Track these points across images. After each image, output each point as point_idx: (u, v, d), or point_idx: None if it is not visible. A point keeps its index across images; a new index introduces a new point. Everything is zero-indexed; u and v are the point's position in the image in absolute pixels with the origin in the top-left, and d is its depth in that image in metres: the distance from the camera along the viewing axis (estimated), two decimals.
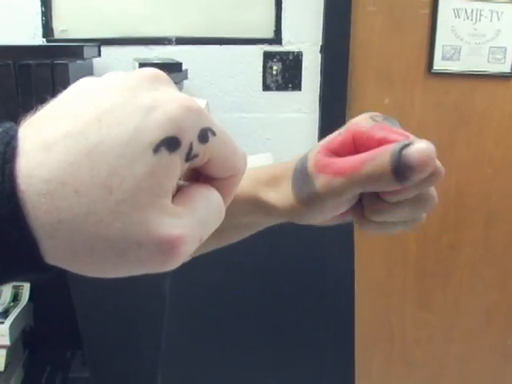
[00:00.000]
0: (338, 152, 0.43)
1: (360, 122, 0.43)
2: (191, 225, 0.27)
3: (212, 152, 0.28)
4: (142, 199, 0.25)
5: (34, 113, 0.27)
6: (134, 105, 0.26)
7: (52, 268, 0.26)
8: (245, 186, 0.49)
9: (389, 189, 0.39)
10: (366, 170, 0.38)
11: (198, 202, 0.29)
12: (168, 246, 0.26)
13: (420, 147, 0.37)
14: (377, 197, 0.42)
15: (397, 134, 0.40)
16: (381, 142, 0.40)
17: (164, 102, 0.27)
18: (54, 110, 0.27)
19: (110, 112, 0.26)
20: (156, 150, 0.26)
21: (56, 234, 0.25)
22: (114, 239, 0.25)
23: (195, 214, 0.28)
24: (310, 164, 0.43)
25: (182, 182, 0.30)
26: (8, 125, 0.26)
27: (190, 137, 0.27)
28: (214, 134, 0.28)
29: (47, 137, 0.25)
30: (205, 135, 0.28)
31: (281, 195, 0.47)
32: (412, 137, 0.39)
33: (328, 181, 0.41)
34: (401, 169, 0.37)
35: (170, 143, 0.26)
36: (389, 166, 0.37)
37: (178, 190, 0.29)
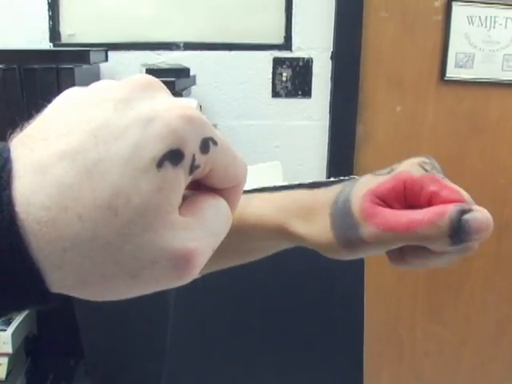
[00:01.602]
0: (385, 199, 0.42)
1: (410, 170, 0.42)
2: (203, 236, 0.26)
3: (213, 162, 0.27)
4: (151, 218, 0.24)
5: (22, 129, 0.25)
6: (130, 117, 0.25)
7: (60, 295, 0.25)
8: (271, 212, 0.48)
9: (441, 249, 0.40)
10: (421, 232, 0.39)
11: (207, 212, 0.28)
12: (183, 260, 0.25)
13: (481, 215, 0.38)
14: (423, 246, 0.41)
15: (449, 191, 0.40)
16: (432, 197, 0.40)
17: (162, 112, 0.25)
18: (43, 127, 0.25)
19: (105, 127, 0.24)
20: (159, 165, 0.24)
21: (62, 264, 0.23)
22: (126, 262, 0.24)
23: (206, 225, 0.27)
24: (356, 208, 0.42)
25: (186, 191, 0.28)
26: (0, 145, 0.25)
27: (192, 148, 0.25)
28: (215, 143, 0.27)
29: (41, 158, 0.24)
30: (206, 145, 0.26)
31: (315, 230, 0.46)
32: (464, 194, 0.40)
33: (377, 232, 0.41)
34: (459, 235, 0.38)
35: (174, 156, 0.25)
36: (447, 232, 0.38)
37: (184, 200, 0.27)
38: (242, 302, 1.22)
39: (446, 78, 1.86)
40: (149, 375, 1.19)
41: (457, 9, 1.80)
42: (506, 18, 1.81)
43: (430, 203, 0.40)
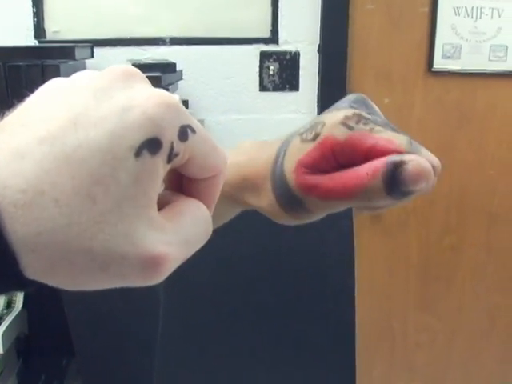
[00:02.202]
0: (318, 167, 0.41)
1: (333, 133, 0.40)
2: (177, 243, 0.26)
3: (192, 150, 0.27)
4: (128, 209, 0.24)
5: (2, 118, 0.25)
6: (109, 105, 0.25)
7: (33, 283, 0.25)
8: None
9: (387, 204, 0.39)
10: (358, 193, 0.38)
11: (187, 219, 0.28)
12: (151, 263, 0.25)
13: (412, 165, 0.36)
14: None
15: (382, 142, 0.38)
16: (368, 153, 0.38)
17: (140, 101, 0.25)
18: (23, 114, 0.25)
19: (84, 114, 0.25)
20: (138, 153, 0.24)
21: (36, 248, 0.23)
22: (97, 252, 0.24)
23: (182, 232, 0.27)
24: (292, 184, 0.42)
25: (167, 192, 0.29)
26: None
27: (170, 136, 0.25)
28: (193, 131, 0.27)
29: (20, 144, 0.24)
30: (185, 133, 0.26)
31: (263, 201, 0.46)
32: (398, 141, 0.38)
33: (318, 202, 0.41)
34: (396, 190, 0.36)
35: (152, 145, 0.25)
36: (383, 189, 0.37)
37: (165, 201, 0.28)
38: (233, 297, 1.22)
39: (433, 70, 1.86)
40: (141, 371, 1.19)
41: (443, 0, 1.80)
42: (492, 9, 1.82)
43: (367, 159, 0.38)
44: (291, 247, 1.24)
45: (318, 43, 1.78)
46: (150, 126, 0.25)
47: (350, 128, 0.39)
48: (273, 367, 1.26)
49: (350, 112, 0.41)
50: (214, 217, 0.54)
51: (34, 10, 1.65)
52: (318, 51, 1.79)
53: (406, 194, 0.36)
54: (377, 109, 0.43)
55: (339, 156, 0.40)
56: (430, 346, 2.13)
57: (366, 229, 1.98)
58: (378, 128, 0.39)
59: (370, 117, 0.41)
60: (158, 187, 0.26)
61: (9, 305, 1.43)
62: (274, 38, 1.75)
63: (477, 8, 1.82)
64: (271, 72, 1.77)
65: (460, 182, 1.96)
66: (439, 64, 1.86)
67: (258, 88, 1.78)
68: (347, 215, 1.25)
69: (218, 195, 0.31)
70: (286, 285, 1.24)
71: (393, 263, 2.04)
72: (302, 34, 1.76)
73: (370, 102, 0.43)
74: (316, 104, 1.82)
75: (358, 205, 0.40)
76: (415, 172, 0.36)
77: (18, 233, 0.23)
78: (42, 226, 0.23)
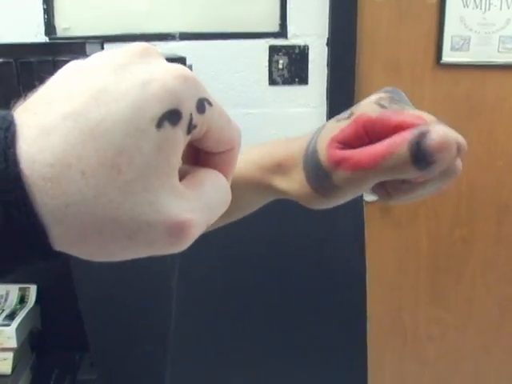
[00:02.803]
0: (350, 143, 0.42)
1: (367, 110, 0.42)
2: (199, 209, 0.27)
3: (209, 123, 0.28)
4: (152, 178, 0.25)
5: (25, 99, 0.26)
6: (129, 80, 0.26)
7: (60, 254, 0.26)
8: (250, 170, 0.50)
9: (412, 176, 0.39)
10: (386, 163, 0.38)
11: (207, 187, 0.29)
12: (177, 228, 0.26)
13: (437, 134, 0.36)
14: (401, 179, 0.41)
15: (411, 118, 0.39)
16: (397, 129, 0.39)
17: (159, 75, 0.26)
18: (46, 93, 0.26)
19: (105, 90, 0.25)
20: (159, 124, 0.25)
21: (64, 219, 0.24)
22: (124, 220, 0.25)
23: (203, 199, 0.28)
24: (323, 159, 0.43)
25: (186, 166, 0.30)
26: (3, 112, 0.26)
27: (189, 108, 0.26)
28: (210, 104, 0.28)
29: (45, 121, 0.25)
30: (202, 105, 0.27)
31: (294, 184, 0.47)
32: (427, 117, 0.39)
33: (347, 175, 0.41)
34: (422, 159, 0.37)
35: (172, 116, 0.26)
36: (409, 158, 0.37)
37: (185, 174, 0.29)
38: (243, 292, 1.22)
39: (442, 62, 1.86)
40: (154, 362, 1.19)
41: None
42: (501, 0, 1.81)
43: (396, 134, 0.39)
44: (302, 242, 1.25)
45: (327, 36, 1.78)
46: (169, 97, 0.25)
47: (383, 107, 0.41)
48: (284, 359, 1.26)
49: (383, 94, 0.42)
50: (245, 205, 0.55)
51: (45, 7, 1.66)
52: (327, 44, 1.79)
53: (430, 163, 0.37)
54: (407, 99, 0.44)
55: (371, 132, 0.41)
56: (440, 338, 2.13)
57: (376, 222, 1.98)
58: (408, 107, 0.41)
59: (402, 99, 0.42)
60: (179, 157, 0.27)
61: (22, 300, 1.44)
62: (282, 32, 1.75)
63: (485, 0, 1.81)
64: (280, 66, 1.77)
65: (470, 174, 1.96)
66: (448, 56, 1.85)
67: (267, 82, 1.78)
68: (358, 209, 1.25)
69: (233, 169, 0.32)
70: (297, 279, 1.25)
71: (403, 256, 2.04)
72: (310, 27, 1.76)
73: (403, 93, 0.44)
74: (325, 97, 1.81)
75: (384, 177, 0.40)
76: (439, 140, 0.36)
77: (48, 205, 0.24)
78: (70, 197, 0.24)
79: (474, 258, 2.06)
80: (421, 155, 0.37)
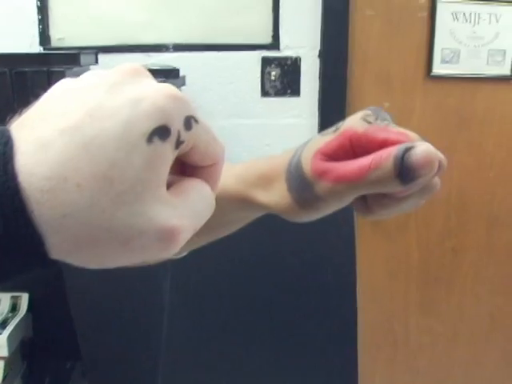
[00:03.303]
0: (335, 156, 0.43)
1: (354, 125, 0.43)
2: (187, 215, 0.29)
3: (195, 139, 0.30)
4: (142, 189, 0.27)
5: (19, 115, 0.28)
6: (121, 98, 0.27)
7: (56, 262, 0.27)
8: (232, 184, 0.51)
9: (394, 191, 0.40)
10: (370, 176, 0.39)
11: (193, 195, 0.30)
12: (167, 234, 0.27)
13: (422, 150, 0.38)
14: (382, 194, 0.42)
15: (396, 135, 0.40)
16: (382, 145, 0.40)
17: (150, 93, 0.28)
18: (41, 110, 0.28)
19: (99, 107, 0.27)
20: (149, 140, 0.27)
21: (61, 229, 0.25)
22: (118, 229, 0.26)
23: (190, 206, 0.30)
24: (307, 169, 0.44)
25: (172, 176, 0.31)
26: (0, 127, 0.27)
27: (177, 124, 0.28)
28: (196, 121, 0.29)
29: (42, 135, 0.26)
30: (189, 122, 0.29)
31: (274, 196, 0.48)
32: (411, 135, 0.40)
33: (330, 186, 0.42)
34: (405, 173, 0.38)
35: (162, 132, 0.27)
36: (393, 172, 0.38)
37: (173, 183, 0.30)
38: (236, 299, 1.22)
39: (432, 74, 1.88)
40: (146, 371, 1.19)
41: (441, 5, 1.82)
42: (490, 14, 1.84)
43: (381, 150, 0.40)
44: (293, 251, 1.25)
45: (319, 49, 1.80)
46: (159, 115, 0.27)
47: (369, 122, 0.42)
48: (276, 371, 1.26)
49: (369, 111, 0.44)
50: (230, 221, 0.56)
51: (39, 17, 1.66)
52: (319, 56, 1.80)
53: (413, 178, 0.38)
54: (390, 118, 0.45)
55: (356, 146, 0.42)
56: (431, 348, 2.13)
57: (367, 232, 1.99)
58: (393, 125, 0.42)
59: (387, 117, 0.43)
60: (167, 170, 0.28)
61: (14, 308, 1.43)
62: (275, 44, 1.77)
63: (475, 13, 1.84)
64: (273, 77, 1.78)
65: (460, 185, 1.97)
66: (438, 68, 1.87)
67: (259, 93, 1.79)
68: (349, 219, 1.26)
69: (218, 182, 0.33)
70: (289, 288, 1.25)
71: (393, 266, 2.05)
72: (303, 39, 1.78)
73: (385, 112, 0.45)
74: (317, 109, 1.83)
75: (366, 190, 0.41)
76: (423, 156, 0.38)
77: (45, 216, 0.25)
78: (66, 208, 0.25)
79: (464, 268, 2.07)
80: (405, 170, 0.38)
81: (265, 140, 1.82)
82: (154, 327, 1.18)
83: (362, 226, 1.96)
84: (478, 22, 1.84)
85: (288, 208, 0.47)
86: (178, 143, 0.28)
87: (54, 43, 1.69)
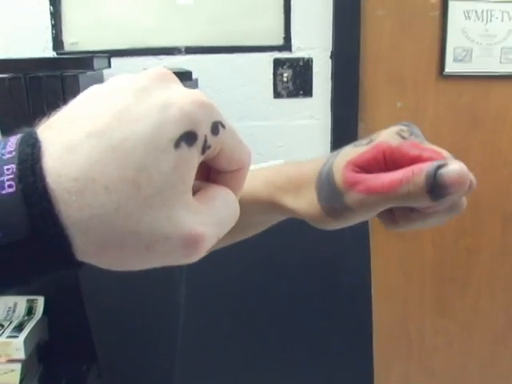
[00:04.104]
0: (367, 168, 0.44)
1: (388, 139, 0.43)
2: (211, 223, 0.29)
3: (222, 144, 0.30)
4: (169, 194, 0.27)
5: (47, 118, 0.28)
6: (149, 103, 0.28)
7: (82, 264, 0.27)
8: (261, 188, 0.51)
9: (423, 206, 0.41)
10: (402, 190, 0.40)
11: (218, 202, 0.30)
12: (191, 241, 0.27)
13: (454, 169, 0.38)
14: (410, 208, 0.43)
15: (430, 152, 0.41)
16: (415, 161, 0.41)
17: (178, 99, 0.28)
18: (69, 114, 0.28)
19: (126, 111, 0.27)
20: (177, 145, 0.27)
21: (87, 231, 0.26)
22: (143, 233, 0.26)
23: (215, 214, 0.30)
24: (339, 179, 0.44)
25: (198, 182, 0.31)
26: (28, 129, 0.27)
27: (204, 130, 0.28)
28: (223, 126, 0.30)
29: (69, 138, 0.26)
30: (216, 128, 0.29)
31: (303, 203, 0.48)
32: (444, 153, 0.41)
33: (361, 197, 0.43)
34: (436, 190, 0.39)
35: (189, 137, 0.27)
36: (424, 187, 0.39)
37: (199, 189, 0.31)
38: (250, 299, 1.23)
39: (444, 73, 1.87)
40: (162, 373, 1.20)
41: (453, 4, 1.81)
42: (503, 12, 1.83)
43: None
44: (308, 252, 1.25)
45: (331, 49, 1.79)
46: (187, 120, 0.27)
47: (403, 138, 0.43)
48: (290, 367, 1.26)
49: (403, 127, 0.44)
50: (253, 223, 0.57)
51: (53, 22, 1.68)
52: (331, 57, 1.80)
53: (444, 194, 0.39)
54: (422, 134, 0.46)
55: (389, 160, 0.43)
56: (447, 348, 2.12)
57: (381, 232, 1.99)
58: (426, 142, 0.43)
59: (420, 135, 0.44)
60: (193, 175, 0.28)
61: (30, 312, 1.44)
62: (287, 46, 1.77)
63: (487, 11, 1.83)
64: (285, 79, 1.78)
65: None
66: (451, 67, 1.86)
67: (272, 95, 1.79)
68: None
69: (242, 187, 0.33)
70: (304, 289, 1.25)
71: (408, 266, 2.04)
72: (314, 40, 1.77)
73: (417, 128, 0.46)
74: (330, 109, 1.82)
75: (396, 203, 0.42)
76: (456, 174, 0.38)
77: (72, 217, 0.25)
78: (93, 210, 0.25)
79: (479, 268, 2.06)
80: (436, 186, 0.39)
81: (278, 141, 1.82)
82: (169, 329, 1.19)
83: (377, 226, 1.95)
84: (491, 20, 1.83)
85: (316, 216, 0.47)
86: (205, 148, 0.28)
87: (67, 48, 1.70)
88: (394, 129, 0.44)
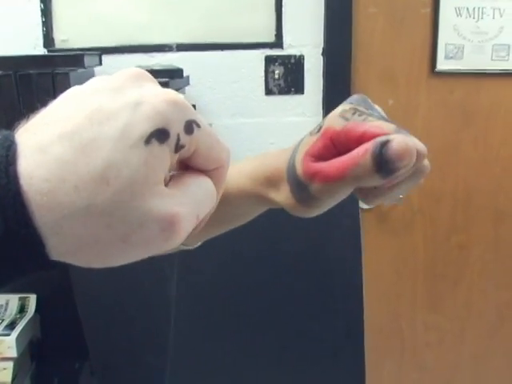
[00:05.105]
0: (322, 156, 0.44)
1: (332, 124, 0.44)
2: (186, 202, 0.29)
3: (198, 143, 0.30)
4: (139, 188, 0.27)
5: (27, 121, 0.29)
6: (121, 101, 0.28)
7: (57, 264, 0.27)
8: (246, 183, 0.54)
9: (378, 184, 0.41)
10: (352, 174, 0.40)
11: (192, 185, 0.31)
12: (167, 222, 0.28)
13: (397, 143, 0.38)
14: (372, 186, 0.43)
15: (373, 129, 0.41)
16: (360, 140, 0.41)
17: (150, 97, 0.28)
18: (45, 116, 0.28)
19: (99, 110, 0.27)
20: (147, 142, 0.27)
21: (60, 230, 0.26)
22: (116, 227, 0.27)
23: (189, 194, 0.30)
24: (300, 172, 0.46)
25: (173, 172, 0.32)
26: (5, 132, 0.28)
27: (176, 128, 0.28)
28: (198, 125, 0.30)
29: (42, 140, 0.27)
30: (190, 127, 0.29)
31: (282, 196, 0.50)
32: (386, 128, 0.41)
33: (321, 187, 0.44)
34: (384, 168, 0.39)
35: (160, 135, 0.28)
36: (372, 168, 0.39)
37: (171, 178, 0.31)
38: (242, 297, 1.23)
39: (436, 70, 1.87)
40: (154, 370, 1.20)
41: (444, 1, 1.81)
42: (494, 9, 1.83)
43: (360, 145, 0.41)
44: (300, 250, 1.25)
45: (322, 46, 1.80)
46: (158, 118, 0.28)
47: (346, 119, 0.43)
48: (281, 368, 1.27)
49: (347, 106, 0.45)
50: (242, 213, 0.59)
51: (43, 19, 1.67)
52: (323, 54, 1.80)
53: (392, 170, 0.39)
54: (376, 107, 0.46)
55: (337, 144, 0.43)
56: (439, 345, 2.13)
57: (373, 229, 1.99)
58: (370, 118, 0.43)
59: (365, 110, 0.44)
60: (165, 171, 0.28)
61: (22, 309, 1.44)
62: (278, 43, 1.77)
63: (478, 8, 1.83)
64: (276, 76, 1.78)
65: (465, 180, 1.97)
66: (442, 64, 1.87)
67: (263, 92, 1.80)
68: (355, 218, 1.26)
69: (222, 185, 0.34)
70: (296, 288, 1.25)
71: (400, 263, 2.05)
72: (306, 37, 1.78)
73: (369, 100, 0.47)
74: (321, 106, 1.83)
75: (353, 186, 0.42)
76: (399, 148, 0.38)
77: (44, 217, 0.26)
78: (64, 210, 0.26)
79: (471, 264, 2.06)
80: (383, 164, 0.39)
81: (269, 138, 1.82)
82: (161, 326, 1.19)
83: (368, 223, 1.96)
84: (482, 17, 1.83)
85: (293, 206, 0.49)
86: (178, 147, 0.29)
87: (58, 45, 1.70)
88: (337, 111, 0.45)
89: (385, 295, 2.06)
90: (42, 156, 0.26)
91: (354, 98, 0.46)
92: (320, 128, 0.45)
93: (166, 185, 0.29)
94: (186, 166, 0.32)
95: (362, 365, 1.27)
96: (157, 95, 0.28)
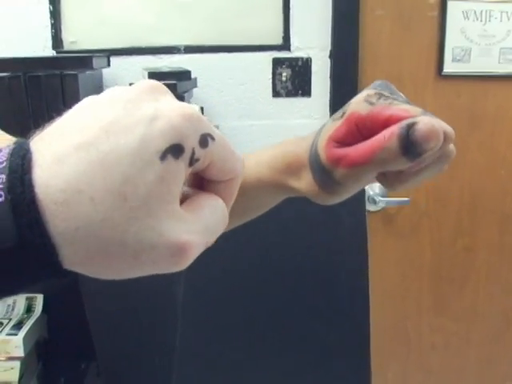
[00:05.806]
0: (346, 141, 0.45)
1: (357, 109, 0.44)
2: (198, 231, 0.29)
3: (212, 156, 0.30)
4: (154, 205, 0.27)
5: (42, 130, 0.29)
6: (137, 115, 0.28)
7: (69, 273, 0.28)
8: (266, 173, 0.54)
9: (405, 167, 0.41)
10: (378, 157, 0.40)
11: (205, 210, 0.31)
12: (178, 249, 0.28)
13: (423, 125, 0.38)
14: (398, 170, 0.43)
15: (399, 112, 0.41)
16: (386, 124, 0.41)
17: (166, 112, 0.28)
18: (60, 125, 0.29)
19: (115, 123, 0.28)
20: (163, 157, 0.27)
21: (74, 241, 0.26)
22: (129, 243, 0.27)
23: (202, 221, 0.30)
24: (323, 158, 0.46)
25: (188, 189, 0.32)
26: (20, 140, 0.28)
27: (191, 143, 0.28)
28: (213, 138, 0.30)
29: (58, 150, 0.27)
30: (205, 140, 0.29)
31: (303, 183, 0.51)
32: (412, 110, 0.41)
33: (346, 172, 0.44)
34: (411, 150, 0.39)
35: (175, 150, 0.28)
36: (399, 150, 0.39)
37: (186, 197, 0.31)
38: (249, 299, 1.23)
39: (443, 73, 1.87)
40: (160, 370, 1.20)
41: (452, 4, 1.81)
42: (501, 12, 1.83)
43: (386, 129, 0.41)
44: (306, 252, 1.25)
45: (330, 49, 1.80)
46: (173, 133, 0.28)
47: (372, 103, 0.43)
48: (287, 370, 1.27)
49: (371, 91, 0.45)
50: (260, 204, 0.59)
51: (52, 21, 1.68)
52: (330, 57, 1.80)
53: (419, 153, 0.39)
54: (400, 93, 0.47)
55: (362, 129, 0.43)
56: (444, 347, 2.13)
57: (379, 231, 1.99)
58: (396, 102, 0.43)
59: (390, 95, 0.44)
60: (180, 186, 0.29)
61: (29, 309, 1.45)
62: (286, 45, 1.77)
63: (486, 11, 1.83)
64: (284, 78, 1.79)
65: (472, 183, 1.96)
66: (449, 67, 1.86)
67: (271, 94, 1.79)
68: (361, 218, 1.26)
69: (234, 196, 0.34)
70: (301, 289, 1.25)
71: (406, 265, 2.05)
72: (313, 40, 1.78)
73: (393, 86, 0.47)
74: (328, 109, 1.82)
75: (378, 170, 0.42)
76: (426, 129, 0.38)
77: (58, 227, 0.26)
78: (79, 221, 0.26)
79: (477, 267, 2.06)
80: (409, 146, 0.38)
81: (276, 140, 1.79)
82: (167, 327, 1.19)
83: (375, 226, 1.96)
84: (489, 20, 1.83)
85: (315, 193, 0.49)
86: (193, 161, 0.29)
87: (67, 47, 1.70)
88: (362, 95, 0.45)
89: (390, 297, 2.06)
90: (57, 166, 0.26)
91: (377, 83, 0.46)
92: (343, 113, 0.45)
93: (181, 202, 0.29)
94: (199, 177, 0.32)
95: (368, 367, 1.27)
96: (172, 110, 0.28)
